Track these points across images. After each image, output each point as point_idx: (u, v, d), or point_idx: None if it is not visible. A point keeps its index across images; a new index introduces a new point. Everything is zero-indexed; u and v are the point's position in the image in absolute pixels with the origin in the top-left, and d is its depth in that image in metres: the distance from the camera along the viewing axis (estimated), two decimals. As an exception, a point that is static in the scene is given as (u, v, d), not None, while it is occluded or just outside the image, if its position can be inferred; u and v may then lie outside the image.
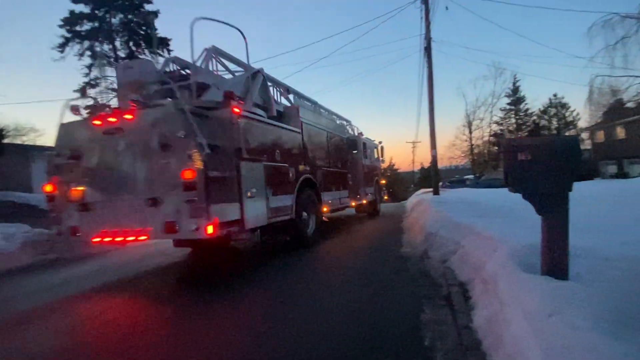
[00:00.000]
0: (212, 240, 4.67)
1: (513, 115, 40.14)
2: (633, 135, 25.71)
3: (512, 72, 40.76)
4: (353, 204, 10.75)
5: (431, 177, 16.44)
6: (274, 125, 6.27)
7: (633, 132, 25.60)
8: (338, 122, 10.77)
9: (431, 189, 16.49)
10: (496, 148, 39.13)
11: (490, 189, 20.91)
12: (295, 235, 6.63)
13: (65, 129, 5.32)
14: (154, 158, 4.59)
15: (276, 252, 6.61)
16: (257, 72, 6.50)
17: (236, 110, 5.08)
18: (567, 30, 64.14)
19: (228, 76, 6.84)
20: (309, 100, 9.05)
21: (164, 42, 21.93)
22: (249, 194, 5.05)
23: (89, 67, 20.80)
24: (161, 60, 21.18)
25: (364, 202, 11.72)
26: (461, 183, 29.93)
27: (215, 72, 6.58)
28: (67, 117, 5.33)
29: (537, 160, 2.75)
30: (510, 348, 2.03)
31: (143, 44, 21.70)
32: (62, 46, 20.29)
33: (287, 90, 8.06)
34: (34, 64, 54.04)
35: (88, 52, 20.74)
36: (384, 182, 16.36)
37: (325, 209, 8.24)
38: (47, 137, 25.97)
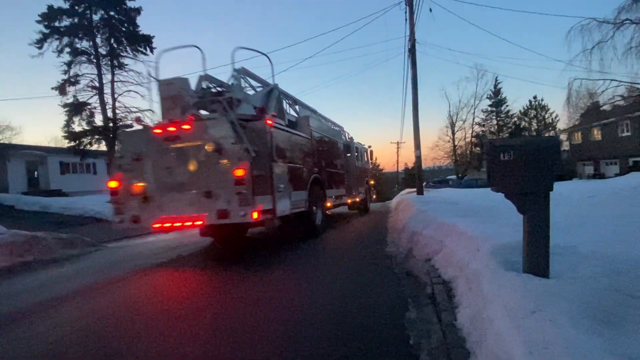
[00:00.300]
0: (250, 224, 6.37)
1: (494, 117, 40.94)
2: (608, 137, 26.53)
3: (493, 74, 41.57)
4: (349, 201, 12.08)
5: (415, 177, 16.91)
6: (294, 133, 7.61)
7: (608, 134, 26.42)
8: (335, 128, 12.27)
9: (415, 189, 16.88)
10: (478, 149, 39.82)
11: (472, 189, 21.31)
12: (308, 225, 7.82)
13: (126, 136, 6.83)
14: (208, 160, 5.81)
15: (291, 240, 7.73)
16: (274, 88, 7.95)
17: (269, 122, 6.34)
18: (547, 34, 65.75)
19: (250, 91, 8.27)
20: (310, 109, 10.40)
21: (147, 40, 21.54)
22: (278, 189, 6.28)
23: (69, 64, 20.26)
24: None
25: (357, 200, 13.08)
26: (444, 183, 30.40)
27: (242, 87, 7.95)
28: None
29: (518, 161, 2.80)
30: (493, 345, 2.06)
31: (125, 41, 21.26)
32: (40, 42, 19.67)
33: (294, 101, 9.55)
34: (11, 61, 52.36)
35: (67, 49, 20.20)
36: (372, 182, 17.81)
37: (329, 204, 9.52)
38: (24, 136, 25.25)
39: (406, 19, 14.81)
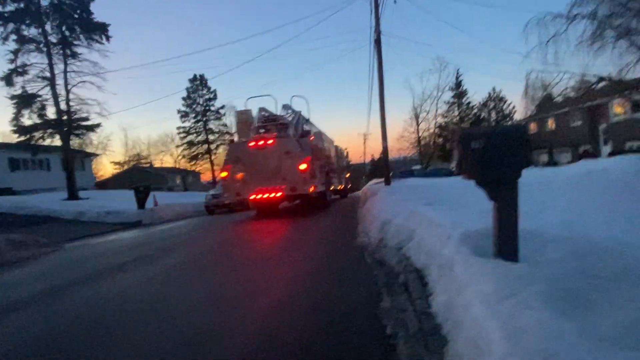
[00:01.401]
0: (309, 195, 11.50)
1: (456, 108, 42.17)
2: (561, 126, 27.98)
3: (455, 66, 42.80)
4: (339, 187, 18.91)
5: (382, 168, 17.60)
6: (320, 143, 13.92)
7: (561, 124, 27.86)
8: (331, 138, 17.69)
9: (382, 179, 17.32)
10: (441, 139, 40.95)
11: (436, 178, 21.88)
12: (324, 200, 13.18)
13: (233, 146, 12.19)
14: (283, 159, 10.91)
15: (312, 209, 12.65)
16: (300, 114, 13.44)
17: (312, 138, 12.19)
18: (507, 28, 68.15)
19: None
20: (312, 124, 14.90)
21: (102, 28, 20.34)
22: (317, 177, 11.65)
23: (15, 52, 18.80)
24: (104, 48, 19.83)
25: (341, 187, 19.58)
26: (410, 173, 31.02)
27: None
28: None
29: (489, 149, 2.82)
30: (470, 331, 2.07)
31: (78, 29, 19.96)
32: (-19, 28, 18.11)
33: (307, 120, 14.24)
34: (-52, 49, 48.05)
35: (13, 36, 18.71)
36: (348, 175, 26.22)
37: (332, 188, 15.49)
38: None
39: (371, 10, 14.83)
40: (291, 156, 10.98)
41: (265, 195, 11.12)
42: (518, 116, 38.87)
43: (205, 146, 48.32)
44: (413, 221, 5.05)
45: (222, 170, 12.03)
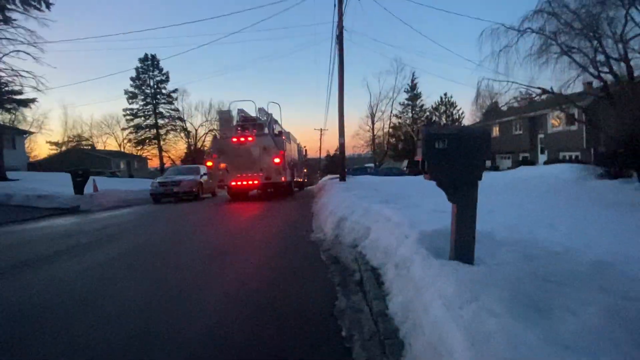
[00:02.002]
0: (280, 184, 14.15)
1: (410, 110, 43.50)
2: (505, 134, 29.77)
3: (411, 69, 44.10)
4: (299, 180, 20.97)
5: (337, 164, 18.27)
6: (289, 142, 15.91)
7: (505, 131, 29.65)
8: (294, 137, 19.84)
9: (337, 175, 17.49)
10: (394, 139, 42.05)
11: (389, 177, 22.42)
12: (289, 189, 15.59)
13: (217, 140, 14.34)
14: (261, 154, 13.54)
15: (277, 195, 14.85)
16: (271, 116, 15.64)
17: (283, 137, 14.47)
18: (464, 35, 71.05)
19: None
20: (280, 124, 16.57)
21: (43, -3, 18.35)
22: (287, 169, 14.19)
23: None
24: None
25: (301, 180, 21.73)
26: (363, 171, 31.57)
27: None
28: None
29: (452, 150, 2.79)
30: (430, 336, 2.00)
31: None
32: None
33: (276, 121, 16.15)
34: None
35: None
36: (306, 170, 29.33)
37: (295, 180, 17.90)
38: None
39: (335, 4, 14.72)
40: (267, 151, 13.64)
41: (245, 183, 13.78)
42: (466, 122, 40.88)
43: (154, 131, 45.97)
44: (369, 219, 5.02)
45: (207, 160, 14.97)
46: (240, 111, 16.00)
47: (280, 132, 15.05)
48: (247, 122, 15.09)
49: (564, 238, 3.84)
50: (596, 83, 13.94)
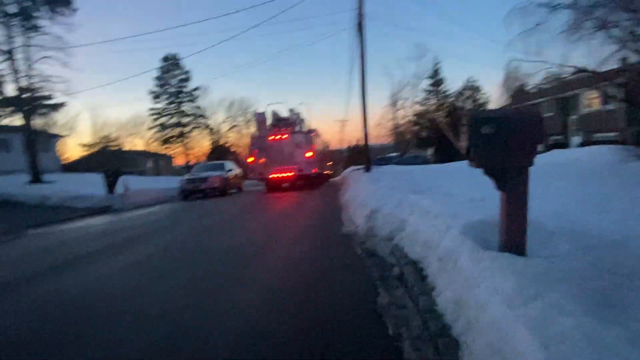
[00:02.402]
0: (312, 175, 16.49)
1: (434, 96, 42.45)
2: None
3: (434, 54, 42.76)
4: (326, 172, 22.37)
5: (360, 155, 19.63)
6: (318, 138, 19.38)
7: (534, 114, 28.49)
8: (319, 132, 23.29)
9: (360, 167, 17.50)
10: (417, 127, 41.22)
11: (414, 166, 21.99)
12: (320, 179, 17.67)
13: (256, 138, 17.45)
14: (295, 149, 16.26)
15: (307, 187, 16.01)
16: (300, 115, 18.71)
17: (313, 134, 17.66)
18: (488, 16, 68.21)
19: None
20: (304, 122, 19.40)
21: (65, 1, 18.83)
22: (317, 163, 17.02)
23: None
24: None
25: (327, 172, 23.07)
26: (387, 161, 31.13)
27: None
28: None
29: (500, 134, 2.61)
30: (490, 335, 1.86)
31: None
32: None
33: (303, 120, 18.77)
34: None
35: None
36: (330, 163, 31.83)
37: (325, 172, 21.32)
38: None
39: (355, -8, 14.40)
40: (300, 147, 16.21)
41: (281, 175, 15.87)
42: (492, 106, 39.59)
43: (178, 129, 46.75)
44: (404, 210, 4.86)
45: (248, 157, 17.90)
46: (274, 112, 18.66)
47: (310, 130, 17.91)
48: (281, 122, 17.77)
49: (619, 225, 3.58)
50: (635, 58, 13.09)
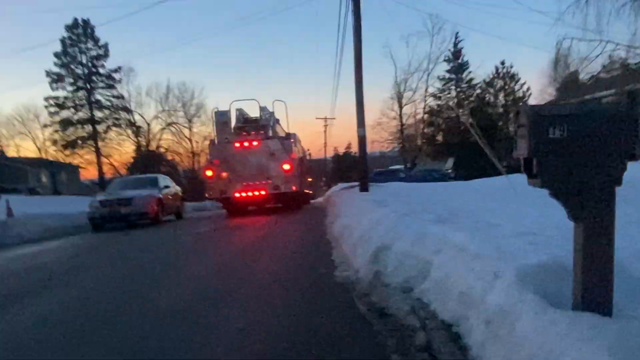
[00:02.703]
0: (291, 195, 17.48)
1: (454, 87, 43.45)
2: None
3: (453, 29, 43.72)
4: (307, 192, 23.26)
5: (350, 167, 20.38)
6: (298, 145, 19.97)
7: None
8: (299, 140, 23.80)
9: (352, 183, 17.69)
10: (432, 129, 41.94)
11: (429, 183, 22.23)
12: (300, 200, 19.64)
13: (217, 146, 17.99)
14: (268, 160, 16.77)
15: (283, 209, 17.39)
16: (273, 115, 19.08)
17: (292, 140, 18.39)
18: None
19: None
20: (280, 124, 20.35)
21: None
22: (297, 177, 17.47)
23: None
24: None
25: (307, 191, 24.20)
26: (392, 175, 31.46)
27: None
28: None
29: (575, 139, 2.59)
30: None
31: None
32: None
33: (277, 120, 19.57)
34: None
35: None
36: (311, 179, 31.14)
37: (305, 191, 22.02)
38: None
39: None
40: (275, 157, 16.46)
41: (250, 194, 16.54)
42: (533, 101, 40.68)
43: (90, 127, 46.19)
44: (426, 247, 4.81)
45: (206, 169, 17.91)
46: (240, 111, 19.36)
47: (289, 134, 18.51)
48: (249, 124, 18.58)
49: None
50: None
